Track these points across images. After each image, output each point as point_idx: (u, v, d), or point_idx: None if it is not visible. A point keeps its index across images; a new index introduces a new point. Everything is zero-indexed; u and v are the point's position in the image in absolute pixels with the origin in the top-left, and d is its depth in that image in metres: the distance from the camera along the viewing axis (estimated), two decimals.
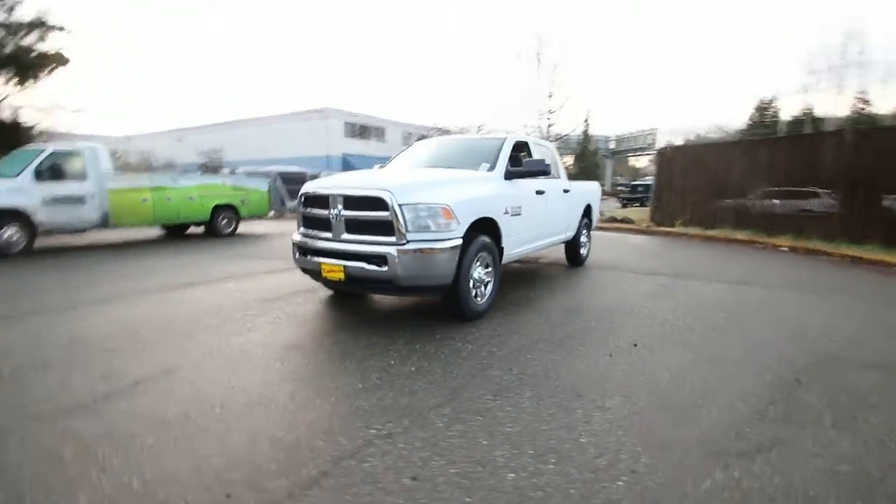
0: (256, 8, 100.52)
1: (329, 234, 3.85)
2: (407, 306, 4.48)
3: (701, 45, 78.81)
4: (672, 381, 2.84)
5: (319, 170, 23.97)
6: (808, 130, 32.76)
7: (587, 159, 44.46)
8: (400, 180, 3.78)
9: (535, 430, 2.24)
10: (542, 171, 4.58)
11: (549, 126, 18.44)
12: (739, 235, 11.13)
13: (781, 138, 13.39)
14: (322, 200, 3.90)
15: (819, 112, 37.22)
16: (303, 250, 4.05)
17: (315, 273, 4.02)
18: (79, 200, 7.98)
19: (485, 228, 4.04)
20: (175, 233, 10.51)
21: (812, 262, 8.12)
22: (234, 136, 29.08)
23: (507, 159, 4.65)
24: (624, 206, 26.97)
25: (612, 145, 49.90)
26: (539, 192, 5.07)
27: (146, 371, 2.85)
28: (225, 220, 10.53)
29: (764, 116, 41.12)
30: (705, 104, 78.31)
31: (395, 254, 3.46)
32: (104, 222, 8.35)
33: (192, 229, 10.88)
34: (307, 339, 3.55)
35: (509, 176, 4.54)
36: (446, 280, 3.63)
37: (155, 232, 10.74)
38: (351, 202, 3.70)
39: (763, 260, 8.29)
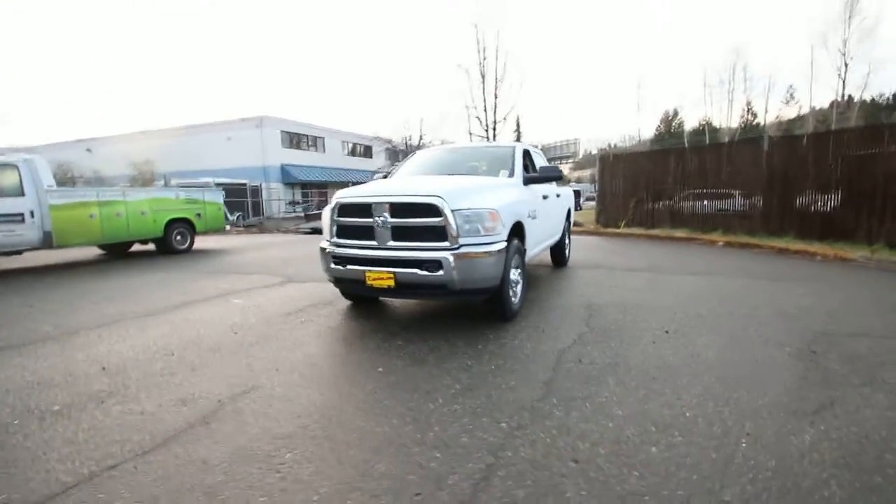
0: (188, 12, 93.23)
1: (373, 242, 3.84)
2: (432, 310, 4.55)
3: (612, 61, 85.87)
4: (719, 359, 3.22)
5: (259, 181, 22.88)
6: (706, 140, 37.14)
7: None
8: (446, 186, 3.88)
9: (643, 410, 2.46)
10: (557, 176, 4.89)
11: (495, 136, 19.14)
12: (679, 233, 12.39)
13: (710, 146, 15.04)
14: (363, 209, 3.88)
15: (715, 122, 42.01)
16: (340, 259, 3.98)
17: (354, 282, 3.98)
18: (15, 219, 7.03)
19: (514, 232, 4.25)
20: (115, 252, 9.56)
21: (749, 254, 9.27)
22: (163, 146, 26.78)
23: (522, 166, 4.91)
24: None
25: None
26: (545, 197, 5.39)
27: (223, 392, 2.69)
28: (179, 236, 9.77)
29: (669, 127, 45.79)
30: (617, 115, 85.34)
31: (451, 259, 3.55)
32: (47, 242, 7.43)
33: (136, 247, 9.97)
34: (365, 348, 3.51)
35: (527, 182, 4.80)
36: (495, 282, 3.78)
37: (91, 252, 9.68)
38: (399, 209, 3.73)
39: (709, 254, 9.33)
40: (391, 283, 3.71)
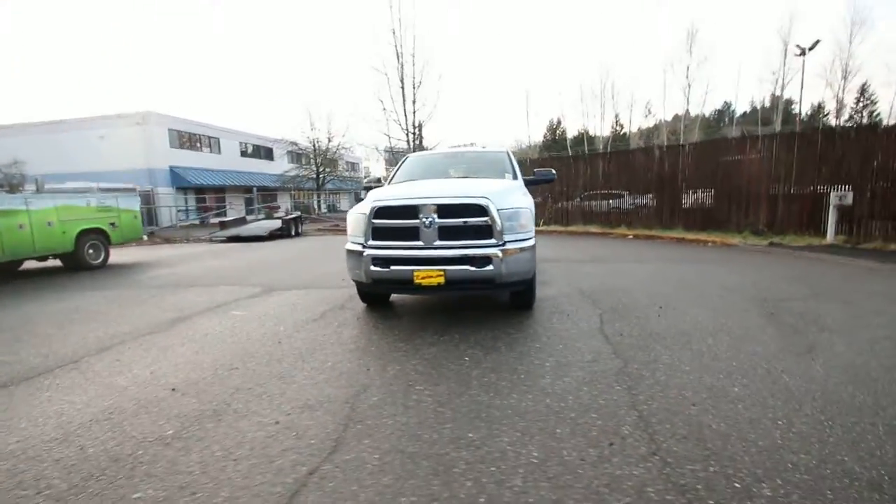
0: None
1: (419, 243, 3.99)
2: (449, 306, 4.80)
3: (503, 71, 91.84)
4: (715, 325, 4.02)
5: (151, 186, 20.25)
6: (584, 147, 41.99)
7: None
8: (487, 188, 4.17)
9: (703, 365, 3.08)
10: (549, 179, 5.46)
11: (416, 140, 19.50)
12: (593, 229, 14.07)
13: (612, 153, 17.17)
14: (408, 211, 4.01)
15: (592, 132, 47.32)
16: (383, 261, 4.04)
17: (398, 282, 4.07)
18: None
19: None
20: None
21: (657, 244, 10.97)
22: (26, 145, 22.08)
23: (519, 170, 5.39)
24: None
25: None
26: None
27: (342, 394, 2.70)
28: (92, 249, 8.46)
29: (555, 134, 50.57)
30: (509, 123, 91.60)
31: (500, 254, 3.87)
32: None
33: (28, 264, 8.38)
34: (433, 342, 3.66)
35: (527, 184, 5.30)
36: (531, 274, 4.19)
37: None
38: (447, 210, 3.94)
39: (628, 245, 10.83)
40: (441, 280, 3.90)
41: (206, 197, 25.82)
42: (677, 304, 4.77)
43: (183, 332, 4.14)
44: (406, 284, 4.05)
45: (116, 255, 10.22)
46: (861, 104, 37.88)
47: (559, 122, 49.79)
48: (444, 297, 5.11)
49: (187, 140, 25.57)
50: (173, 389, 2.84)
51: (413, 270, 3.95)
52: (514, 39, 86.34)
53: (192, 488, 1.85)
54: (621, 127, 46.39)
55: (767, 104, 44.25)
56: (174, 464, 2.03)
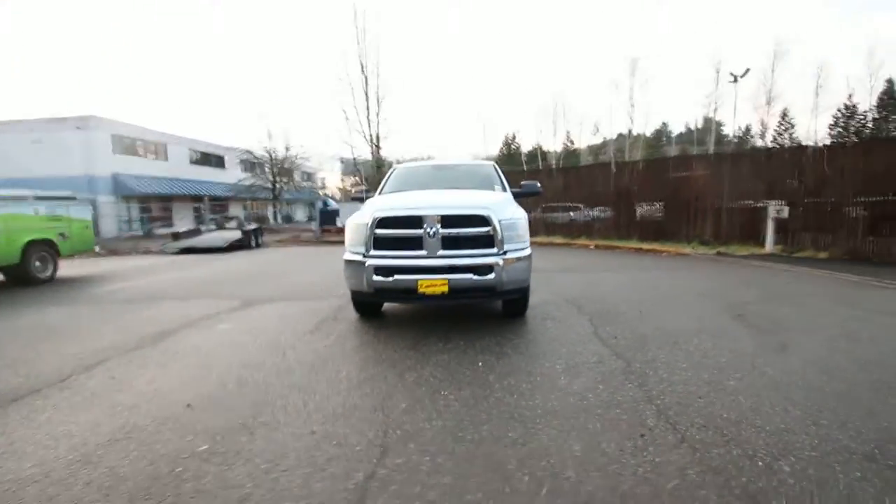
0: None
1: (423, 252, 4.06)
2: (442, 313, 4.89)
3: (459, 88, 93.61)
4: (696, 328, 4.37)
5: (92, 194, 18.84)
6: (539, 162, 43.62)
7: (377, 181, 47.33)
8: (485, 200, 4.32)
9: (698, 362, 3.35)
10: (535, 192, 5.70)
11: (378, 150, 19.51)
12: (557, 240, 14.64)
13: (571, 168, 17.99)
14: (412, 221, 4.08)
15: (545, 147, 49.14)
16: (386, 270, 4.08)
17: (401, 291, 4.11)
18: None
19: None
20: None
21: (619, 254, 11.60)
22: None
23: (507, 183, 5.60)
24: None
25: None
26: None
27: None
28: (39, 262, 7.80)
29: (510, 149, 52.10)
30: (465, 137, 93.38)
31: (501, 263, 4.03)
32: None
33: None
34: (440, 349, 3.71)
35: (514, 196, 5.51)
36: (527, 282, 4.37)
37: None
38: (451, 221, 4.04)
39: (593, 255, 11.37)
40: (445, 289, 3.99)
41: (152, 206, 24.26)
42: (654, 308, 5.11)
43: (172, 348, 3.95)
44: (409, 293, 4.11)
45: (65, 269, 9.44)
46: (783, 127, 42.02)
47: (514, 138, 51.52)
48: (436, 307, 5.18)
49: (132, 146, 23.97)
50: (188, 405, 2.73)
51: (417, 279, 4.01)
52: (471, 56, 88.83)
53: (252, 501, 1.82)
54: (572, 143, 48.59)
55: (700, 125, 48.07)
56: (222, 479, 1.98)
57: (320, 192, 39.84)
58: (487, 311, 5.03)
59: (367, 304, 4.77)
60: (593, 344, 3.82)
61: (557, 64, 75.40)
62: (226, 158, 29.57)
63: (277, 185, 26.42)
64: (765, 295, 5.85)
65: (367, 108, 18.72)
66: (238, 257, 12.29)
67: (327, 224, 19.76)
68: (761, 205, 11.31)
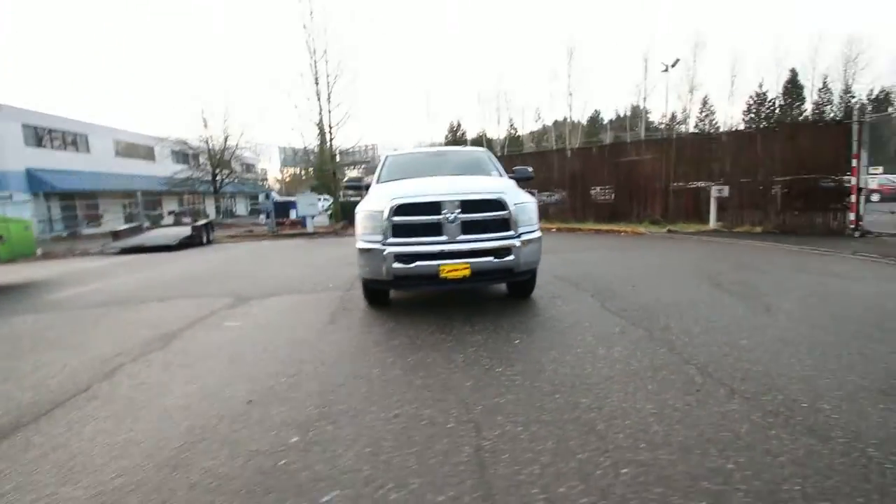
0: None
1: (443, 238, 4.12)
2: (449, 298, 5.00)
3: (403, 74, 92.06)
4: (688, 299, 4.79)
5: (6, 192, 16.73)
6: (483, 147, 44.39)
7: (325, 172, 45.78)
8: (496, 185, 4.43)
9: (709, 327, 3.72)
10: (529, 177, 5.88)
11: (331, 140, 18.91)
12: None
13: (529, 153, 18.45)
14: (431, 207, 4.11)
15: (489, 134, 49.88)
16: (407, 257, 4.09)
17: (422, 277, 4.15)
18: None
19: None
20: None
21: (581, 235, 12.21)
22: None
23: (502, 168, 5.74)
24: None
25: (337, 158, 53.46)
26: None
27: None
28: None
29: (455, 136, 52.39)
30: (409, 124, 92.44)
31: (518, 245, 4.19)
32: None
33: None
34: (469, 332, 3.82)
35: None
36: (537, 264, 4.56)
37: None
38: (469, 206, 4.13)
39: (558, 237, 11.87)
40: (467, 272, 4.09)
41: (77, 204, 21.84)
42: (642, 283, 5.52)
43: (187, 348, 3.74)
44: (431, 279, 4.16)
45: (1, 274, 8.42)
46: (704, 113, 45.62)
47: (459, 125, 51.83)
48: (440, 292, 5.25)
49: (48, 138, 21.36)
50: (250, 401, 2.65)
51: (439, 265, 4.07)
52: (415, 43, 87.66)
53: (376, 482, 1.85)
54: (515, 130, 49.73)
55: (629, 113, 50.93)
56: (333, 465, 1.98)
57: (262, 184, 38.05)
58: (491, 295, 5.19)
59: (379, 292, 4.76)
60: (608, 317, 4.10)
61: (500, 53, 76.63)
62: (156, 150, 27.18)
63: (218, 178, 24.78)
64: (730, 266, 6.48)
65: (318, 94, 18.07)
66: (194, 255, 11.55)
67: (279, 217, 19.01)
68: (703, 185, 12.36)
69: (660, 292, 4.98)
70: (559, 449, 2.03)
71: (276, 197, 18.95)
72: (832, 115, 38.93)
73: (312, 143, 20.35)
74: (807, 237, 9.61)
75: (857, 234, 9.87)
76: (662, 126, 50.00)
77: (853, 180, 10.10)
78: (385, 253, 4.12)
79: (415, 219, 4.15)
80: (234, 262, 9.65)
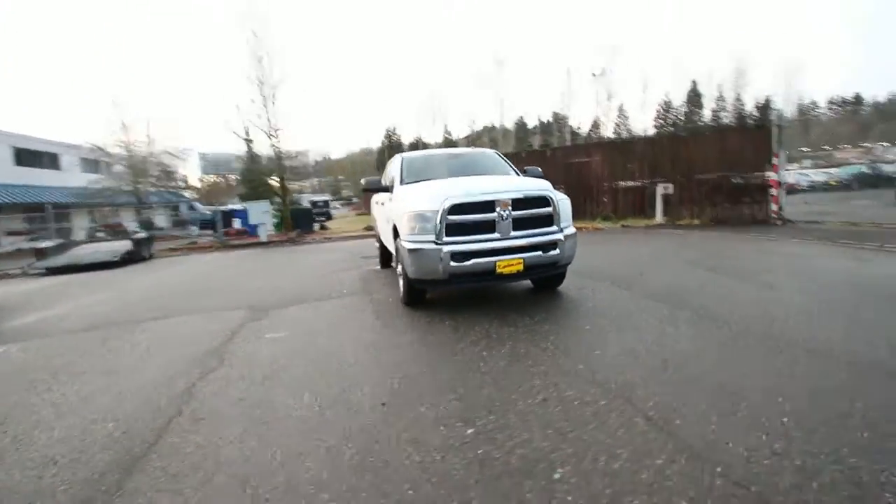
0: None
1: (496, 235, 4.25)
2: (475, 295, 5.14)
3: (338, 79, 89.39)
4: (690, 281, 5.35)
5: None
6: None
7: (256, 179, 43.25)
8: (537, 183, 4.64)
9: (733, 306, 4.21)
10: (540, 177, 6.16)
11: (274, 144, 18.04)
12: None
13: None
14: (484, 206, 4.23)
15: (425, 139, 50.30)
16: (463, 255, 4.17)
17: (476, 274, 4.24)
18: None
19: None
20: None
21: None
22: None
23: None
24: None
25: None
26: None
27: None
28: None
29: (391, 140, 52.21)
30: (344, 129, 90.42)
31: (563, 238, 4.45)
32: None
33: None
34: (534, 328, 3.98)
35: None
36: (573, 258, 4.84)
37: None
38: (520, 203, 4.30)
39: None
40: (520, 267, 4.27)
41: None
42: (645, 271, 6.04)
43: (250, 361, 3.51)
44: (487, 275, 4.28)
45: None
46: (620, 119, 49.69)
47: (395, 130, 51.75)
48: (462, 291, 5.33)
49: None
50: (383, 404, 2.61)
51: (495, 261, 4.21)
52: (351, 50, 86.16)
53: (581, 456, 1.97)
54: (450, 135, 50.61)
55: (550, 119, 53.98)
56: (532, 447, 2.06)
57: (184, 193, 35.18)
58: (514, 291, 5.37)
59: (420, 292, 4.76)
60: (647, 302, 4.48)
61: (434, 60, 78.07)
62: (62, 157, 23.87)
63: (141, 187, 22.38)
64: (702, 253, 7.27)
65: (263, 96, 17.15)
66: (144, 272, 10.48)
67: (222, 227, 17.83)
68: (644, 183, 13.58)
69: (665, 278, 5.50)
70: (702, 409, 2.28)
71: (208, 206, 17.68)
72: (727, 120, 44.37)
73: (256, 147, 19.17)
74: (740, 226, 10.99)
75: (779, 222, 11.43)
76: (583, 132, 53.59)
77: (774, 176, 11.71)
78: (443, 251, 4.16)
79: (469, 217, 4.25)
80: (205, 276, 8.94)
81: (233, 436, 2.38)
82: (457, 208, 4.23)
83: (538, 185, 4.58)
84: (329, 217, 29.70)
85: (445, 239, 4.23)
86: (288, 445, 2.24)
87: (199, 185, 50.90)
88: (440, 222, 4.22)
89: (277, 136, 17.93)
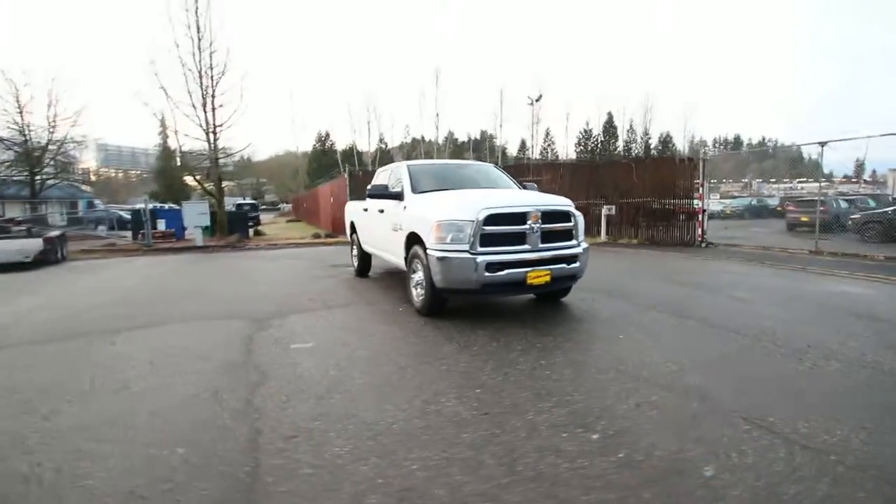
0: None
1: (527, 247, 4.38)
2: (490, 307, 5.24)
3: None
4: (675, 292, 5.90)
5: None
6: (355, 160, 44.06)
7: (172, 177, 39.37)
8: (558, 198, 4.83)
9: (730, 310, 4.74)
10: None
11: (215, 142, 16.65)
12: None
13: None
14: (516, 217, 4.34)
15: (360, 146, 49.60)
16: (498, 266, 4.23)
17: (508, 284, 4.33)
18: None
19: None
20: None
21: None
22: None
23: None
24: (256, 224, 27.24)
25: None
26: None
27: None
28: None
29: (324, 146, 50.69)
30: (271, 133, 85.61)
31: (581, 251, 4.70)
32: None
33: None
34: (573, 335, 4.13)
35: None
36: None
37: None
38: (547, 216, 4.47)
39: None
40: (548, 279, 4.43)
41: None
42: (626, 284, 6.53)
43: (289, 375, 3.24)
44: (518, 286, 4.39)
45: None
46: (546, 143, 53.00)
47: (328, 135, 50.18)
48: (469, 302, 5.37)
49: None
50: (486, 413, 2.57)
51: (526, 272, 4.33)
52: (280, 50, 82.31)
53: (720, 449, 2.13)
54: (385, 144, 50.32)
55: (478, 137, 56.03)
56: (684, 434, 2.18)
57: (83, 188, 31.18)
58: (514, 302, 5.51)
59: (443, 301, 4.70)
60: (651, 312, 4.85)
61: (370, 67, 77.62)
62: None
63: (39, 177, 19.14)
64: (662, 271, 8.00)
65: (202, 86, 15.73)
66: (66, 275, 9.07)
67: (142, 228, 16.08)
68: (589, 203, 14.64)
69: (649, 291, 6.00)
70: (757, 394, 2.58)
71: (146, 205, 15.83)
72: (637, 151, 49.23)
73: (174, 142, 17.41)
74: (671, 247, 12.28)
75: (703, 244, 12.92)
76: (511, 153, 56.24)
77: (699, 203, 13.24)
78: (479, 261, 4.19)
79: (503, 228, 4.33)
80: (158, 282, 7.96)
81: (345, 452, 2.20)
82: (491, 219, 4.29)
83: (560, 201, 4.81)
84: (258, 222, 27.99)
85: (480, 249, 4.27)
86: (421, 459, 2.13)
87: (93, 178, 45.39)
88: (474, 232, 4.25)
89: (216, 133, 16.57)
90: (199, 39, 15.47)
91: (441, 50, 79.59)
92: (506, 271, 4.28)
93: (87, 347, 4.01)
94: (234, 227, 17.08)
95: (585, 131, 53.75)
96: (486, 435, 2.34)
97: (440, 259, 4.30)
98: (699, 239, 13.12)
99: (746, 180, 52.65)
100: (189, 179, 46.46)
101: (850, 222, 14.29)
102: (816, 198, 15.26)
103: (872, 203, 17.48)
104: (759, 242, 12.78)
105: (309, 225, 27.66)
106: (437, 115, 47.77)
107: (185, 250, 13.34)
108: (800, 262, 8.60)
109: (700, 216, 13.23)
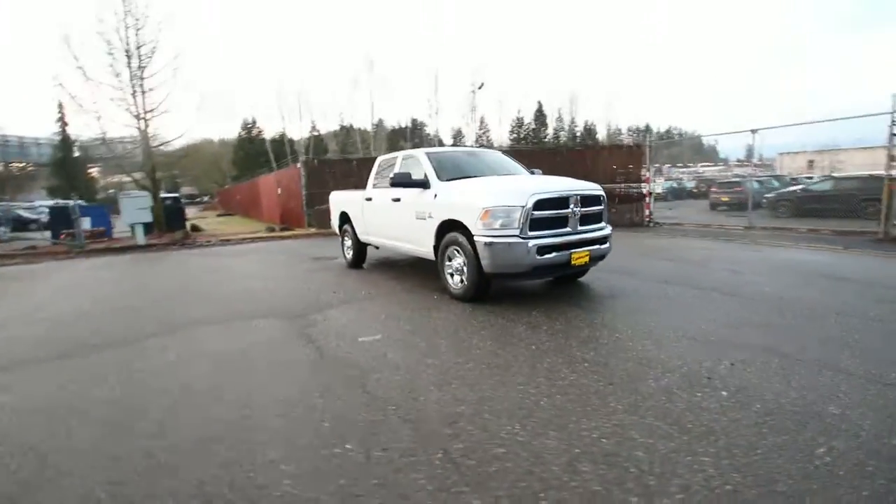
0: None
1: (569, 229, 4.61)
2: (512, 290, 5.46)
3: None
4: (669, 270, 6.48)
5: None
6: (286, 149, 41.97)
7: (74, 169, 34.80)
8: (591, 184, 5.06)
9: (737, 286, 5.33)
10: None
11: (146, 129, 15.01)
12: None
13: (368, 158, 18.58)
14: (562, 202, 4.54)
15: (290, 134, 47.27)
16: (546, 248, 4.41)
17: (554, 266, 4.54)
18: None
19: None
20: None
21: None
22: None
23: None
24: None
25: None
26: None
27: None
28: None
29: (250, 133, 47.58)
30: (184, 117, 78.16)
31: (610, 233, 5.03)
32: None
33: None
34: (571, 317, 4.43)
35: None
36: None
37: None
38: (585, 200, 4.72)
39: None
40: (587, 259, 4.71)
41: None
42: (626, 263, 7.03)
43: (399, 368, 3.21)
44: (563, 266, 4.62)
45: None
46: (482, 131, 53.94)
47: (254, 122, 46.99)
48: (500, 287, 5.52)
49: None
50: (612, 384, 2.75)
51: (571, 253, 4.57)
52: (203, 31, 74.67)
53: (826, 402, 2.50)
54: (318, 131, 48.28)
55: (408, 124, 55.64)
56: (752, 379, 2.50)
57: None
58: (532, 284, 5.76)
59: (487, 286, 4.79)
60: (665, 286, 5.32)
61: (299, 53, 73.44)
62: None
63: None
64: (641, 248, 8.70)
65: (129, 67, 14.01)
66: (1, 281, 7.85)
67: (62, 227, 14.32)
68: None
69: (647, 267, 6.55)
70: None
71: (78, 202, 13.95)
72: (565, 138, 51.81)
73: (76, 132, 15.43)
74: (624, 227, 13.21)
75: (651, 224, 14.12)
76: (445, 141, 56.51)
77: (647, 187, 14.41)
78: (530, 245, 4.34)
79: (548, 213, 4.51)
80: (138, 287, 7.15)
81: (518, 431, 2.28)
82: (540, 204, 4.46)
83: (593, 186, 5.07)
84: (184, 217, 25.80)
85: (530, 233, 4.42)
86: (597, 429, 2.26)
87: None
88: (524, 217, 4.39)
89: (147, 120, 14.97)
90: (126, 14, 13.77)
91: (375, 38, 77.79)
92: (553, 253, 4.48)
93: (121, 358, 3.61)
94: (170, 224, 15.69)
95: (518, 119, 55.51)
96: (632, 401, 2.53)
97: (489, 244, 4.39)
98: (647, 219, 14.32)
99: (658, 165, 57.48)
100: (94, 172, 41.54)
101: (764, 201, 16.26)
102: (740, 180, 16.99)
103: (776, 183, 19.97)
104: (696, 221, 14.19)
105: (248, 219, 26.00)
106: (372, 104, 46.90)
107: (127, 250, 12.03)
108: (745, 237, 9.75)
109: (647, 198, 14.44)
